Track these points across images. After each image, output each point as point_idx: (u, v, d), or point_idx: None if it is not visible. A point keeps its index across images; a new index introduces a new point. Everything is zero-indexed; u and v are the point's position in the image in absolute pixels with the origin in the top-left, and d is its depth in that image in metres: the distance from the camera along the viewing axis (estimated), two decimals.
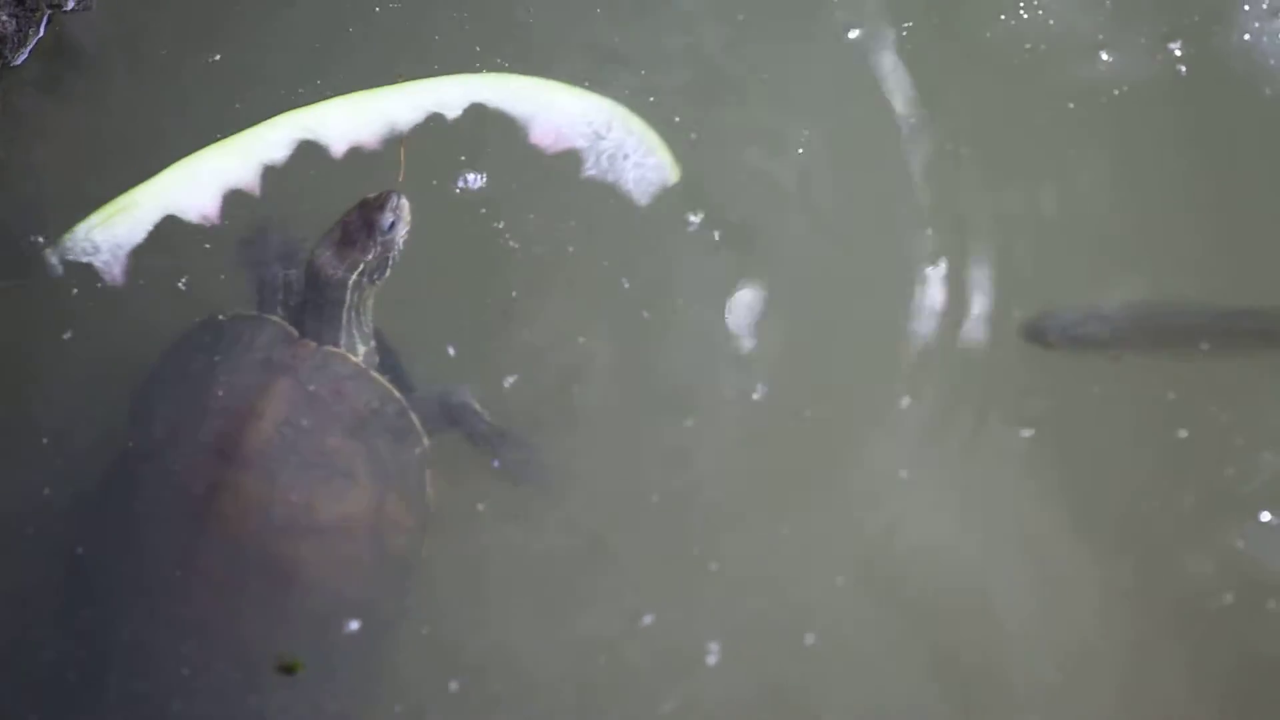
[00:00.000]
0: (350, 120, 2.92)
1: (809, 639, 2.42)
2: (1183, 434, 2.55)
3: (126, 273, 2.74)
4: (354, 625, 2.41)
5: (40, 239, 2.75)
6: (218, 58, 3.00)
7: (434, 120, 2.82)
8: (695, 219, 2.84)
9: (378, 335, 2.72)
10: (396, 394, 2.61)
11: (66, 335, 2.76)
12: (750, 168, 2.94)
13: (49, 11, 2.90)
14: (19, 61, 2.87)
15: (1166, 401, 2.58)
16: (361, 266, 2.66)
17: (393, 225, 2.66)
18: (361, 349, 2.68)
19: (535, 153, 2.84)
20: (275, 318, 2.69)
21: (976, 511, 2.55)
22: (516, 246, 2.83)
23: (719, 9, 3.08)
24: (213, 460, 2.52)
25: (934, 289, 2.76)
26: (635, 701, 2.44)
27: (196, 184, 2.83)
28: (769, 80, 3.01)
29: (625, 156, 2.97)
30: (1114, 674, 2.48)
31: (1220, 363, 2.59)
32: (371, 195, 2.68)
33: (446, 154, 2.88)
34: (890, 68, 2.99)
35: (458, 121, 2.83)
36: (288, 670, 2.34)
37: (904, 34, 3.02)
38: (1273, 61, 2.81)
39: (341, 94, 2.88)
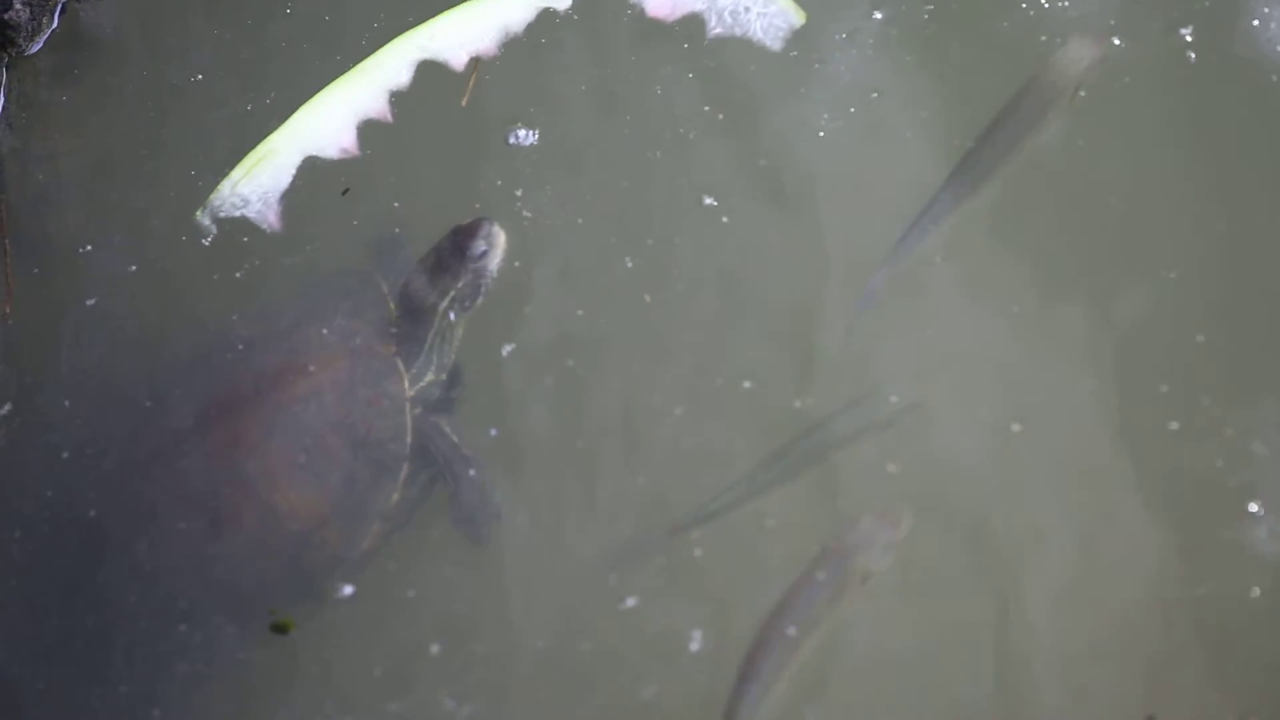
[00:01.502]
0: (464, 31, 3.18)
1: (790, 630, 2.57)
2: (1174, 426, 2.68)
3: (281, 218, 3.00)
4: (348, 590, 2.59)
5: None
6: (230, 38, 3.24)
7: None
8: (710, 200, 3.03)
9: (454, 370, 2.92)
10: (408, 444, 2.82)
11: (90, 301, 2.95)
12: (769, 151, 3.14)
13: (63, 1, 3.12)
14: (33, 50, 3.16)
15: (1159, 393, 2.70)
16: (452, 293, 2.87)
17: (484, 253, 2.86)
18: (429, 377, 2.89)
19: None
20: (393, 304, 2.91)
21: (961, 501, 2.69)
22: (529, 216, 3.02)
23: None
24: (241, 390, 2.80)
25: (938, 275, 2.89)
26: (617, 683, 2.62)
27: (329, 120, 3.08)
28: (799, 58, 3.21)
29: (746, 9, 3.22)
30: (1097, 661, 2.62)
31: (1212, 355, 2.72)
32: (465, 222, 2.90)
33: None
34: (908, 53, 3.13)
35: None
36: (280, 629, 2.56)
37: (925, 17, 3.21)
38: (1279, 48, 2.95)
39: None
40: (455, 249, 2.87)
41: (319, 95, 3.07)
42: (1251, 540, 2.65)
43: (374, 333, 2.85)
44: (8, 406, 2.88)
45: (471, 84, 3.13)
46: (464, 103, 3.13)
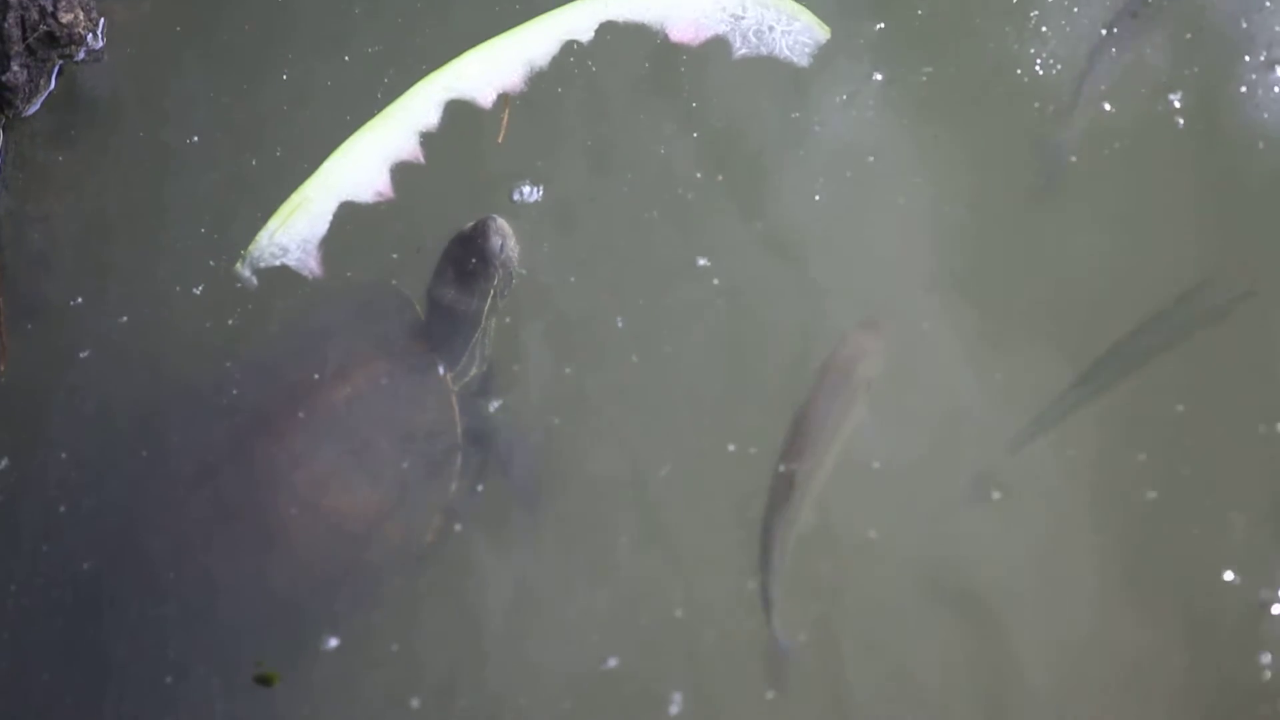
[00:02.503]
0: (489, 68, 3.34)
1: (769, 694, 2.70)
2: (1152, 495, 2.81)
3: (321, 264, 3.16)
4: (333, 642, 2.75)
5: None
6: (226, 101, 3.41)
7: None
8: (703, 261, 3.18)
9: (490, 363, 3.14)
10: (459, 435, 3.03)
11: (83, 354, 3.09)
12: (765, 213, 3.31)
13: (60, 62, 3.33)
14: (30, 112, 3.35)
15: (1138, 463, 2.84)
16: (492, 293, 3.09)
17: (503, 246, 3.08)
18: (472, 372, 3.12)
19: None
20: (419, 305, 3.13)
21: (941, 567, 2.82)
22: (524, 273, 3.18)
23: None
24: (281, 399, 3.00)
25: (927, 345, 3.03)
26: None
27: (362, 165, 3.24)
28: (799, 119, 3.39)
29: (770, 28, 3.41)
30: None
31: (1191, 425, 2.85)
32: (468, 227, 3.11)
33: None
34: (904, 116, 3.31)
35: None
36: (264, 681, 2.73)
37: (923, 80, 3.38)
38: (1266, 115, 3.12)
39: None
40: (477, 253, 3.07)
41: (349, 140, 3.25)
42: (1227, 610, 2.75)
43: (406, 335, 3.09)
44: (5, 461, 3.05)
45: (505, 121, 3.31)
46: (500, 140, 3.29)
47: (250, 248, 3.15)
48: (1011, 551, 2.91)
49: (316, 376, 3.02)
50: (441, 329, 3.07)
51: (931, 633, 2.86)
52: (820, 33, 3.39)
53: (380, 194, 3.19)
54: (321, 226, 3.17)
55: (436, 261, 3.13)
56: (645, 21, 3.41)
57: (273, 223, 3.16)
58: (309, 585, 2.90)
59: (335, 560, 2.92)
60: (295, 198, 3.18)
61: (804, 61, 3.38)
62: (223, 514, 2.94)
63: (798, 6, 3.39)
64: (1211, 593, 2.83)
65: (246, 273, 3.13)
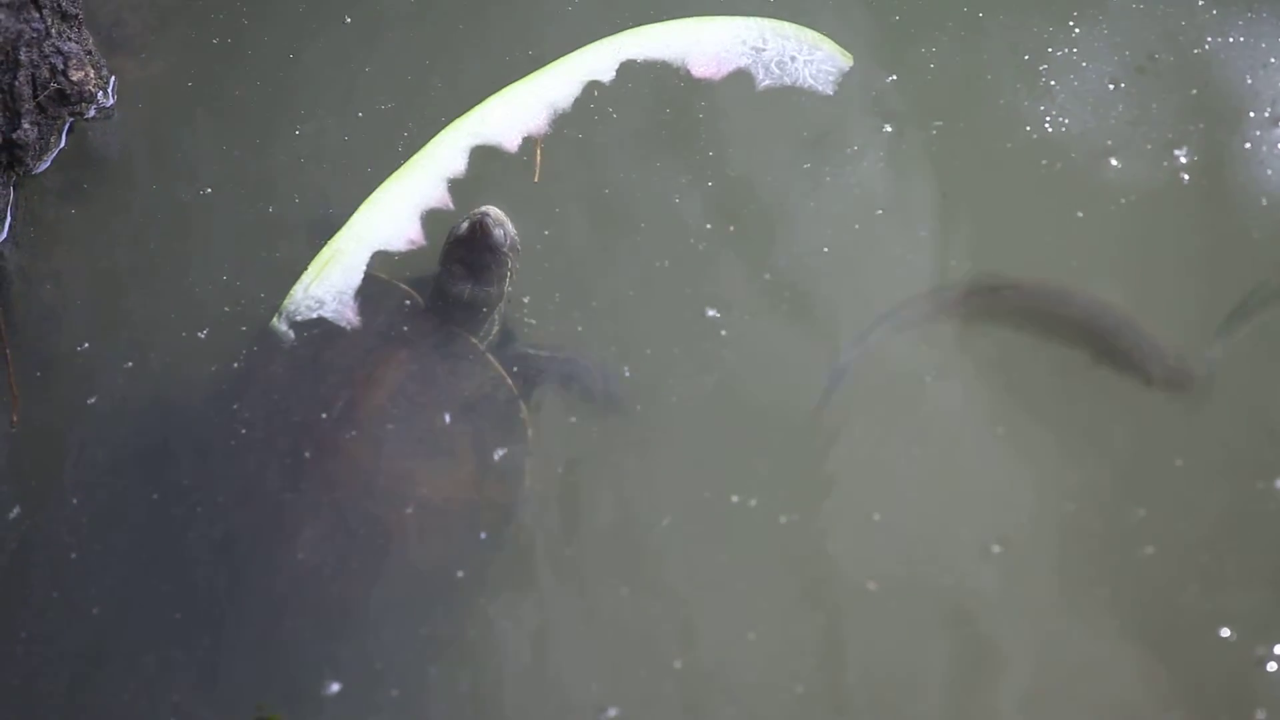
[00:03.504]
0: (512, 114, 3.51)
1: None
2: (1150, 550, 2.92)
3: (357, 314, 3.30)
4: (334, 687, 2.95)
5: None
6: (238, 155, 3.61)
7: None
8: (712, 312, 3.30)
9: (504, 319, 3.36)
10: (509, 382, 3.23)
11: (91, 400, 3.23)
12: (775, 265, 3.47)
13: (70, 120, 3.49)
14: (41, 169, 3.52)
15: (1136, 518, 2.95)
16: (509, 276, 3.29)
17: (505, 235, 3.28)
18: (494, 332, 3.34)
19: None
20: (404, 285, 3.33)
21: (940, 621, 2.93)
22: (533, 323, 3.39)
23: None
24: (324, 423, 3.16)
25: (932, 397, 3.16)
26: None
27: (393, 215, 3.40)
28: (811, 170, 3.56)
29: (792, 59, 3.58)
30: None
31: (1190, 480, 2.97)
32: (463, 227, 3.28)
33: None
34: (913, 169, 3.45)
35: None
36: None
37: (933, 133, 3.52)
38: (1269, 171, 3.24)
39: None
40: (484, 249, 3.25)
41: (378, 191, 3.42)
42: (1223, 666, 2.86)
43: (415, 319, 3.27)
44: (16, 510, 3.21)
45: (539, 161, 3.49)
46: (536, 179, 3.42)
47: (285, 302, 3.31)
48: (1010, 604, 3.02)
49: (347, 390, 3.19)
50: (461, 314, 3.27)
51: (929, 682, 2.96)
52: (843, 60, 3.55)
53: (413, 242, 3.36)
54: (356, 277, 3.33)
55: (441, 260, 3.31)
56: (666, 59, 3.56)
57: (307, 276, 3.33)
58: (439, 578, 3.10)
59: (455, 542, 3.12)
60: (327, 251, 3.35)
61: (829, 90, 3.55)
62: (315, 548, 3.11)
63: (818, 36, 3.55)
64: (1208, 649, 2.96)
65: (284, 327, 3.30)
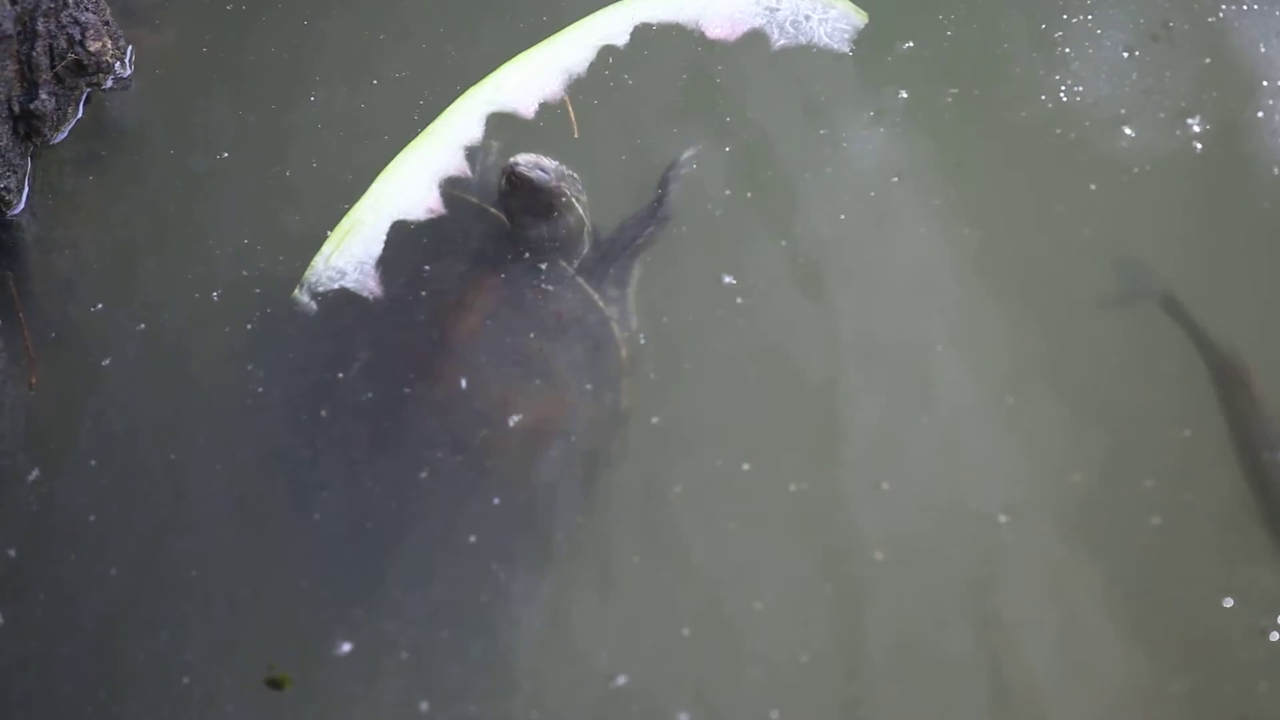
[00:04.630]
0: (527, 80, 3.58)
1: (774, 714, 2.91)
2: (1156, 520, 3.01)
3: (380, 283, 3.38)
4: (345, 647, 3.04)
5: None
6: (254, 122, 3.62)
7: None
8: (729, 279, 3.41)
9: (594, 230, 3.47)
10: (599, 303, 3.36)
11: (105, 362, 3.28)
12: (791, 231, 3.55)
13: (88, 90, 3.56)
14: (58, 139, 3.59)
15: (1144, 488, 3.04)
16: (577, 201, 3.38)
17: (546, 170, 3.34)
18: (585, 249, 3.45)
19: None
20: (494, 209, 3.43)
21: (947, 589, 3.01)
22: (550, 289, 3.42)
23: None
24: (420, 347, 3.28)
25: (943, 366, 3.23)
26: None
27: (411, 184, 3.47)
28: (827, 135, 3.64)
29: (807, 17, 3.67)
30: None
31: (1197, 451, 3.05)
32: (504, 184, 3.36)
33: None
34: (929, 137, 3.51)
35: None
36: (276, 685, 3.00)
37: (949, 100, 3.55)
38: None
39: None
40: (532, 194, 3.33)
41: (395, 160, 3.50)
42: (1226, 636, 2.94)
43: (506, 243, 3.38)
44: (36, 472, 3.31)
45: (573, 117, 3.58)
46: (575, 135, 3.56)
47: (307, 273, 3.40)
48: (1016, 573, 3.10)
49: (441, 316, 3.31)
50: (548, 247, 3.38)
51: (937, 651, 3.05)
52: (858, 18, 3.62)
53: (432, 210, 3.44)
54: (376, 247, 3.42)
55: (504, 215, 3.42)
56: (680, 21, 3.63)
57: (327, 247, 3.41)
58: (544, 498, 3.22)
59: (555, 464, 3.24)
60: (347, 221, 3.43)
61: (844, 48, 3.62)
62: (411, 473, 3.23)
63: None
64: (1212, 619, 3.02)
65: (305, 298, 3.39)
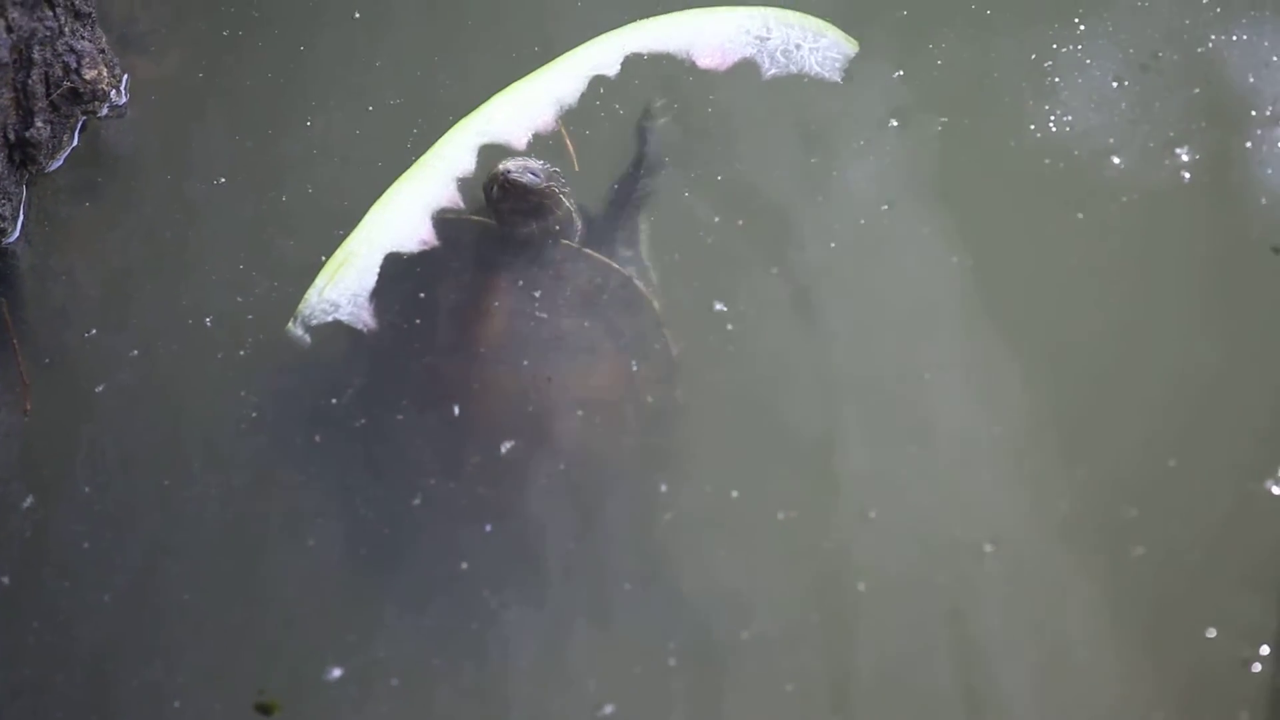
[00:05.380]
0: (518, 111, 3.60)
1: None
2: (1140, 550, 3.06)
3: (374, 316, 3.41)
4: (336, 672, 3.10)
5: None
6: (251, 147, 3.77)
7: None
8: (720, 306, 3.46)
9: (582, 209, 3.55)
10: (616, 266, 3.44)
11: (99, 388, 3.34)
12: (781, 259, 3.60)
13: (83, 118, 3.62)
14: (54, 167, 3.64)
15: (1128, 518, 3.09)
16: (564, 195, 3.46)
17: (535, 172, 3.43)
18: (579, 230, 3.53)
19: None
20: (478, 217, 3.50)
21: (933, 618, 3.06)
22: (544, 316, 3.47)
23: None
24: (454, 363, 3.35)
25: (931, 395, 3.28)
26: None
27: (403, 216, 3.49)
28: (818, 164, 3.70)
29: (797, 46, 3.70)
30: None
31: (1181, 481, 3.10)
32: (494, 191, 3.44)
33: None
34: (918, 165, 3.57)
35: None
36: (265, 710, 3.03)
37: (939, 129, 3.62)
38: (1270, 170, 3.36)
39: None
40: (524, 197, 3.42)
41: (387, 193, 3.52)
42: (1208, 666, 3.00)
43: (500, 243, 3.46)
44: (30, 499, 3.36)
45: (571, 147, 3.65)
46: (576, 168, 3.60)
47: (300, 307, 3.43)
48: (1002, 603, 3.15)
49: (464, 330, 3.38)
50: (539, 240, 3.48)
51: (922, 680, 3.10)
52: (848, 47, 3.67)
53: (424, 242, 3.47)
54: (370, 279, 3.44)
55: (495, 219, 3.49)
56: (671, 51, 3.68)
57: (320, 280, 3.44)
58: (535, 525, 3.28)
59: (630, 427, 3.33)
60: (340, 254, 3.46)
61: (835, 77, 3.67)
62: (405, 500, 3.31)
63: (822, 23, 3.67)
64: (1194, 649, 3.08)
65: (299, 331, 3.42)
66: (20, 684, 3.17)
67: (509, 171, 3.41)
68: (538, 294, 3.41)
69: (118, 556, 3.28)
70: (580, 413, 3.33)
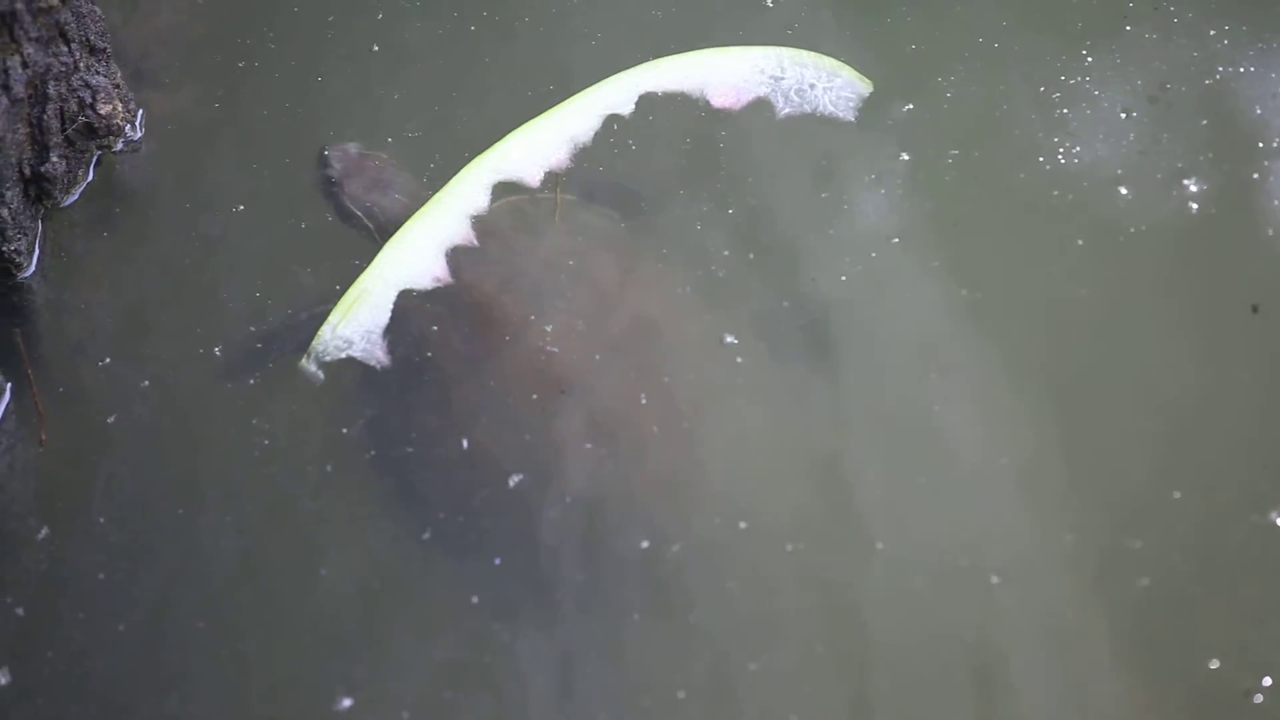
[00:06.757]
0: (532, 149, 3.71)
1: None
2: (1144, 582, 3.11)
3: (387, 352, 3.50)
4: (346, 703, 3.16)
5: None
6: (269, 176, 3.88)
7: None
8: (730, 339, 3.52)
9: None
10: (580, 202, 3.69)
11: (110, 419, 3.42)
12: (792, 293, 3.68)
13: (98, 153, 3.68)
14: (69, 202, 3.71)
15: (1132, 549, 3.14)
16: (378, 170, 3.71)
17: (335, 169, 3.70)
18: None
19: None
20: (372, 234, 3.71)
21: (938, 650, 3.12)
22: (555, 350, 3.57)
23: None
24: (462, 396, 3.45)
25: (938, 427, 3.35)
26: None
27: (418, 253, 3.58)
28: (829, 198, 3.78)
29: (811, 86, 3.80)
30: None
31: (1186, 513, 3.15)
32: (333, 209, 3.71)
33: None
34: (929, 198, 3.70)
35: None
36: None
37: (949, 162, 3.71)
38: (1276, 201, 3.44)
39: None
40: (343, 192, 3.69)
41: (402, 229, 3.61)
42: (1211, 697, 3.05)
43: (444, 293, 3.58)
44: (45, 530, 3.43)
45: (559, 200, 3.70)
46: (557, 218, 3.65)
47: (314, 343, 3.51)
48: (1008, 634, 3.20)
49: (490, 345, 3.49)
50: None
51: (928, 711, 3.16)
52: (862, 86, 3.74)
53: (438, 279, 3.55)
54: (383, 316, 3.53)
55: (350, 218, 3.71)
56: (685, 90, 3.75)
57: (334, 316, 3.52)
58: (546, 555, 3.36)
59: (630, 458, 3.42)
60: (354, 291, 3.54)
61: (849, 116, 3.75)
62: (417, 533, 3.39)
63: (836, 63, 3.74)
64: (1197, 680, 3.14)
65: (312, 367, 3.51)
66: (36, 715, 3.22)
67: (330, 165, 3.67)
68: (533, 272, 3.54)
69: (133, 587, 3.35)
70: (658, 332, 3.46)
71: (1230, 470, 3.35)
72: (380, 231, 3.65)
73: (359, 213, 3.67)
